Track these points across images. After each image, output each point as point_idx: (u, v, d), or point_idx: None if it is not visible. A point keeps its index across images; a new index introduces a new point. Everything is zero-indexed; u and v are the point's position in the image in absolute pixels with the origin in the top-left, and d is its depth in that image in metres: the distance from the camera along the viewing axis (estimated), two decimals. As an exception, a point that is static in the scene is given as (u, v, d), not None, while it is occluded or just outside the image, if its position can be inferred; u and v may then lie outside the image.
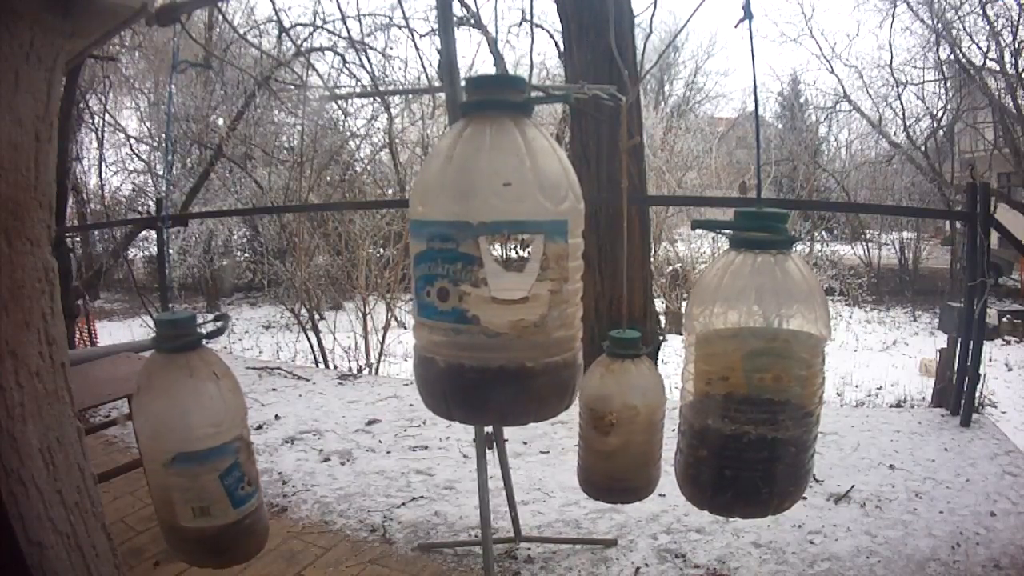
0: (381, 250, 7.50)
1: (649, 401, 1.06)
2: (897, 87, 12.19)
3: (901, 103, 12.41)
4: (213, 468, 0.86)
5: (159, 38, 7.53)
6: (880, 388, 6.53)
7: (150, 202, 9.91)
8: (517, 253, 0.67)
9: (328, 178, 8.40)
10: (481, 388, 0.66)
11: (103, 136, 10.09)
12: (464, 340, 0.64)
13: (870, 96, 12.65)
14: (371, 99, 7.90)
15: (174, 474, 0.86)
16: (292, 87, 7.58)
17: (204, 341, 0.90)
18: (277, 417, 3.08)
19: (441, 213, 0.64)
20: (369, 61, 7.35)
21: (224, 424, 0.87)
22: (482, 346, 0.64)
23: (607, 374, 1.07)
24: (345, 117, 8.43)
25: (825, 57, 15.43)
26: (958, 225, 9.90)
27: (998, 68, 9.90)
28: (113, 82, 9.07)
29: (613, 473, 1.08)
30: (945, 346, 3.32)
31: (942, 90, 11.97)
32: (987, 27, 9.85)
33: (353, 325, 6.83)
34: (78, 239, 9.98)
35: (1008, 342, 8.15)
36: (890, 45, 16.98)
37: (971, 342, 2.80)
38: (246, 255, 12.19)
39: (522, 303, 0.64)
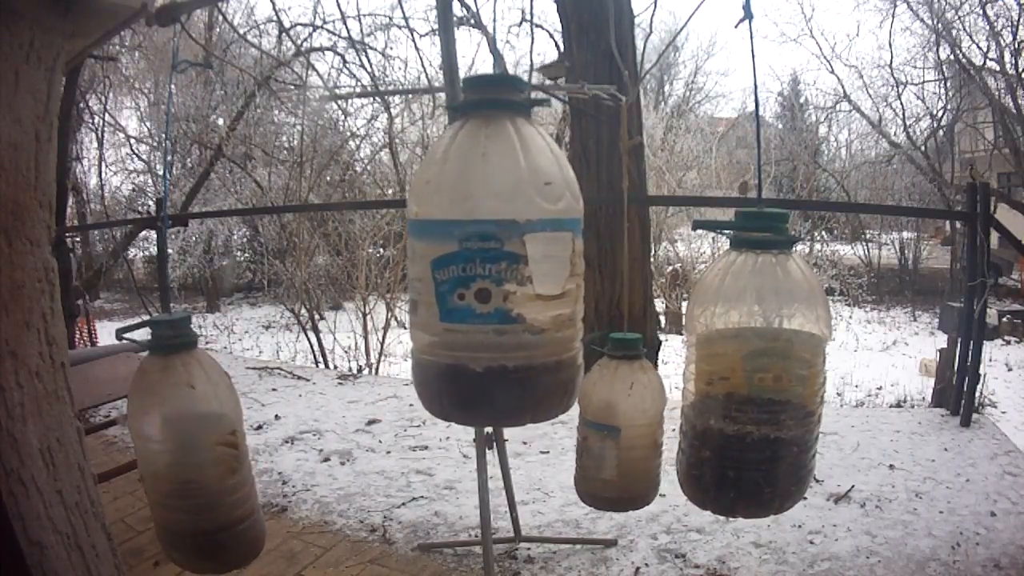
0: (381, 250, 7.50)
1: (648, 407, 1.05)
2: (897, 87, 12.22)
3: (901, 103, 12.44)
4: None
5: (159, 38, 7.54)
6: (880, 388, 6.53)
7: (150, 202, 9.91)
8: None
9: (328, 178, 8.40)
10: (525, 386, 0.66)
11: (103, 136, 10.12)
12: (508, 340, 0.64)
13: (870, 96, 12.68)
14: (371, 99, 7.90)
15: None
16: (292, 87, 7.58)
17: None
18: (277, 417, 3.08)
19: (485, 212, 0.63)
20: (369, 61, 7.37)
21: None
22: (526, 344, 0.65)
23: (608, 377, 1.05)
24: (345, 117, 8.44)
25: (825, 57, 15.43)
26: (958, 225, 9.90)
27: (998, 68, 9.91)
28: (113, 82, 9.08)
29: (614, 481, 1.07)
30: (945, 346, 3.32)
31: (942, 90, 11.99)
32: (987, 27, 9.86)
33: (353, 325, 6.83)
34: (78, 239, 9.97)
35: (1008, 342, 8.15)
36: (890, 45, 17.01)
37: (971, 342, 2.80)
38: (246, 255, 12.19)
39: (560, 299, 0.65)
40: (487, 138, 0.65)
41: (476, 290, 0.62)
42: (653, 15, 7.77)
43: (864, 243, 13.08)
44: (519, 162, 0.64)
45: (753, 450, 0.72)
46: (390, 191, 8.48)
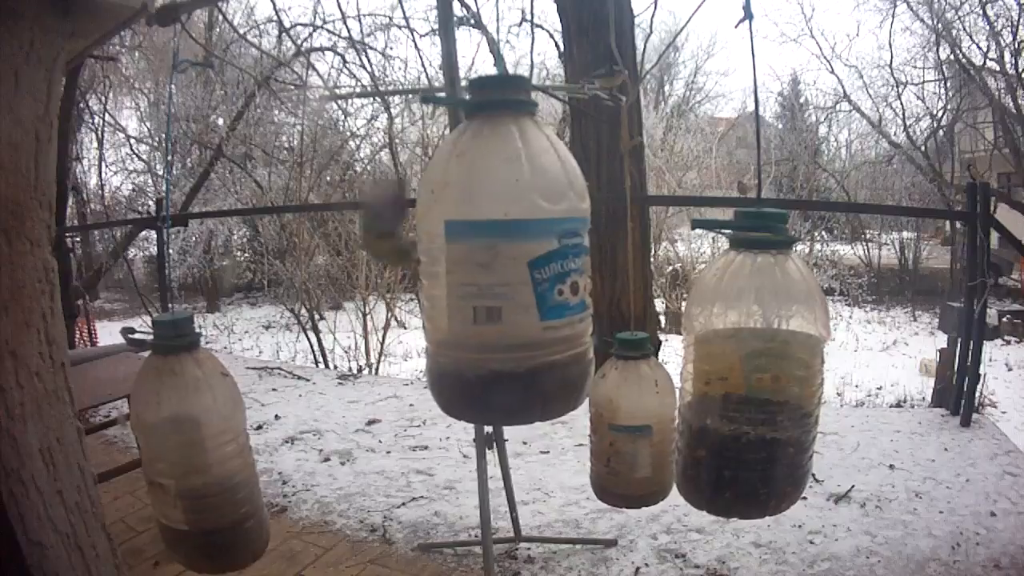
0: (381, 250, 7.48)
1: (672, 400, 1.05)
2: (897, 87, 12.20)
3: (901, 103, 12.43)
4: None
5: (159, 38, 7.54)
6: (880, 388, 6.53)
7: (150, 202, 9.90)
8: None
9: (328, 178, 8.40)
10: (577, 374, 0.70)
11: (103, 136, 10.11)
12: (582, 328, 0.68)
13: (870, 96, 12.67)
14: (371, 99, 7.90)
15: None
16: (292, 87, 7.58)
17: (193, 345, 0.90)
18: (277, 417, 3.08)
19: (574, 211, 0.66)
20: (369, 61, 7.35)
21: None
22: (587, 332, 0.69)
23: (633, 380, 1.05)
24: (345, 117, 8.44)
25: (825, 57, 15.35)
26: (958, 225, 9.89)
27: (998, 68, 9.90)
28: (113, 82, 9.08)
29: (648, 478, 1.06)
30: (945, 346, 3.32)
31: (942, 90, 11.98)
32: (987, 27, 9.86)
33: (353, 325, 6.83)
34: (78, 239, 9.96)
35: (1008, 342, 8.15)
36: (890, 45, 16.88)
37: (971, 342, 2.80)
38: (246, 255, 12.18)
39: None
40: (556, 139, 0.68)
41: (571, 284, 0.65)
42: (653, 15, 7.79)
43: (864, 243, 13.08)
44: (572, 162, 0.68)
45: (750, 451, 0.72)
46: (390, 191, 8.46)
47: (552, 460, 2.51)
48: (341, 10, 8.87)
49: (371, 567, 1.82)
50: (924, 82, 12.00)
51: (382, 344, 6.58)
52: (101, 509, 0.87)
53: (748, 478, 0.74)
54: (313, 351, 6.60)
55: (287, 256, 7.54)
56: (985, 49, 10.14)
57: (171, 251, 9.44)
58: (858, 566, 1.75)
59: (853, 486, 2.19)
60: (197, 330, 0.91)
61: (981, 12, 9.80)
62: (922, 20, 11.00)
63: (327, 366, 6.27)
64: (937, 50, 11.23)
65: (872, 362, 7.56)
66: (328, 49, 7.44)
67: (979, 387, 2.86)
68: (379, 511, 2.15)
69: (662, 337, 4.75)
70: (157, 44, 7.90)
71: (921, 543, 1.84)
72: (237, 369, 4.00)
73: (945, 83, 11.81)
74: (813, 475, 2.17)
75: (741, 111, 16.57)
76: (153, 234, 7.32)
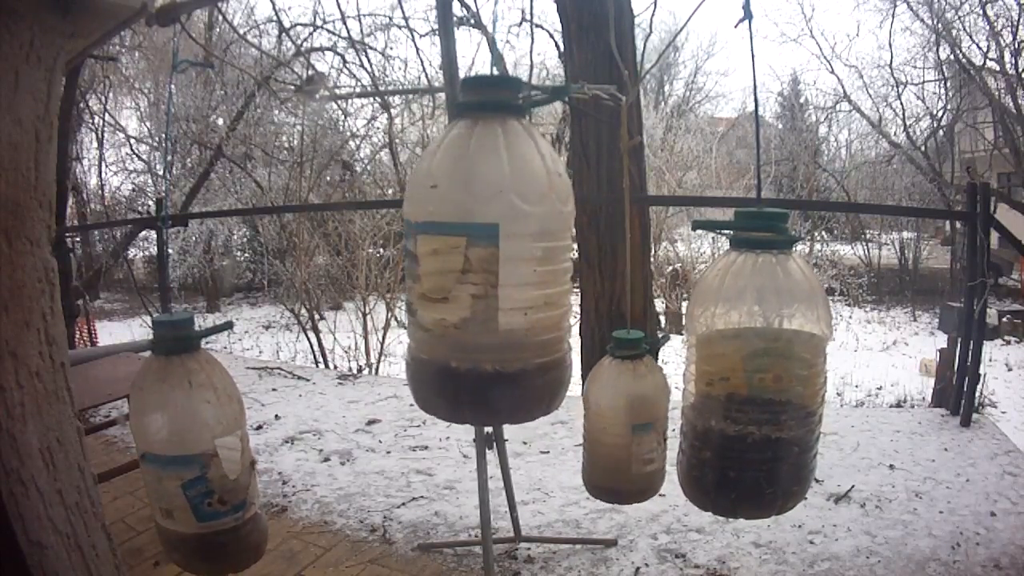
0: (381, 250, 7.49)
1: (652, 402, 1.05)
2: (897, 87, 12.21)
3: (901, 103, 12.43)
4: (176, 475, 0.86)
5: (159, 38, 7.54)
6: (880, 388, 6.53)
7: (150, 202, 9.91)
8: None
9: (328, 178, 8.39)
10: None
11: (103, 136, 10.12)
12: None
13: (870, 96, 12.67)
14: (371, 99, 7.89)
15: (146, 471, 0.88)
16: (292, 87, 7.57)
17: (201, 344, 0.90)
18: (277, 417, 3.08)
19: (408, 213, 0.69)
20: (369, 61, 7.36)
21: (187, 435, 0.86)
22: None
23: (611, 375, 1.06)
24: (345, 117, 8.43)
25: (825, 57, 15.40)
26: (958, 225, 9.90)
27: (998, 68, 9.90)
28: (113, 82, 9.09)
29: (617, 474, 1.07)
30: (945, 346, 3.32)
31: (942, 90, 11.98)
32: (987, 27, 9.85)
33: (353, 325, 6.83)
34: (78, 239, 9.97)
35: (1008, 342, 8.15)
36: (890, 45, 16.94)
37: (971, 342, 2.80)
38: (246, 255, 12.19)
39: (443, 302, 0.65)
40: (451, 140, 0.68)
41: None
42: (653, 15, 7.74)
43: (864, 243, 13.08)
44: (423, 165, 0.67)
45: (754, 451, 0.72)
46: (390, 191, 8.48)
47: (552, 460, 2.51)
48: (341, 10, 8.87)
49: (371, 567, 1.82)
50: (924, 82, 12.02)
51: (382, 344, 6.58)
52: (101, 509, 0.87)
53: (753, 478, 0.74)
54: (313, 351, 6.59)
55: (287, 256, 7.53)
56: (985, 49, 10.15)
57: (171, 251, 9.45)
58: (858, 566, 1.75)
59: (853, 486, 2.19)
60: (195, 332, 0.91)
61: (981, 12, 9.81)
62: (922, 20, 11.01)
63: (327, 366, 6.27)
64: (937, 50, 11.24)
65: (872, 362, 7.56)
66: (328, 49, 7.45)
67: (979, 387, 2.86)
68: (379, 511, 2.14)
69: (664, 336, 4.74)
70: (157, 44, 7.90)
71: (921, 543, 1.84)
72: (237, 369, 3.99)
73: (945, 83, 11.81)
74: (814, 475, 2.18)
75: (741, 111, 16.59)
76: (153, 234, 7.33)
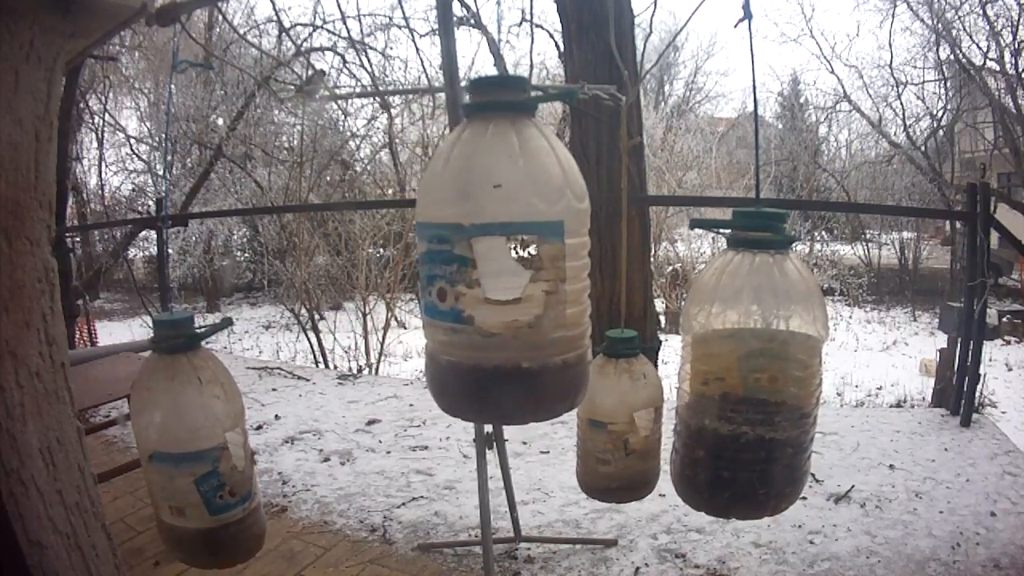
0: (381, 250, 7.49)
1: (644, 401, 1.06)
2: (897, 87, 12.19)
3: (901, 103, 12.42)
4: (189, 472, 0.86)
5: (159, 38, 7.54)
6: (880, 388, 6.53)
7: (150, 202, 9.91)
8: (517, 254, 0.67)
9: (328, 178, 8.39)
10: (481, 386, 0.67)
11: (103, 136, 10.12)
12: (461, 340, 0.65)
13: (870, 96, 12.65)
14: (371, 99, 7.89)
15: (153, 471, 0.88)
16: (292, 87, 7.56)
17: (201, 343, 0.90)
18: (277, 417, 3.08)
19: (438, 216, 0.64)
20: (369, 61, 7.35)
21: (201, 431, 0.86)
22: (477, 345, 0.65)
23: (602, 375, 1.06)
24: (345, 117, 8.44)
25: (825, 57, 15.37)
26: (958, 225, 9.89)
27: (998, 68, 9.89)
28: (113, 82, 9.09)
29: (611, 473, 1.08)
30: (945, 346, 3.31)
31: (942, 90, 11.97)
32: (987, 27, 9.85)
33: (353, 325, 6.83)
34: (78, 239, 9.98)
35: (1008, 342, 8.14)
36: (890, 45, 16.91)
37: (971, 342, 2.80)
38: (246, 255, 12.18)
39: (515, 303, 0.63)
40: (461, 142, 0.66)
41: (437, 288, 0.65)
42: (653, 15, 7.75)
43: (864, 243, 13.07)
44: (473, 165, 0.64)
45: (748, 451, 0.72)
46: (390, 191, 8.48)
47: (552, 460, 2.51)
48: (341, 10, 8.90)
49: (371, 567, 1.82)
50: (924, 82, 12.01)
51: (382, 344, 6.58)
52: (101, 509, 0.87)
53: (746, 478, 0.74)
54: (313, 351, 6.59)
55: (287, 256, 7.54)
56: (985, 49, 10.14)
57: (171, 251, 9.45)
58: (858, 566, 1.75)
59: (853, 486, 2.19)
60: (199, 330, 0.92)
61: (981, 12, 9.80)
62: (922, 20, 11.00)
63: (327, 366, 6.27)
64: (937, 50, 11.23)
65: (872, 362, 7.55)
66: (328, 49, 7.45)
67: (979, 387, 2.86)
68: (379, 511, 2.15)
69: (662, 337, 4.74)
70: (157, 44, 7.90)
71: (921, 543, 1.84)
72: (237, 369, 4.00)
73: (945, 83, 11.81)
74: (813, 475, 2.18)
75: (741, 111, 16.58)
76: (153, 234, 7.33)
